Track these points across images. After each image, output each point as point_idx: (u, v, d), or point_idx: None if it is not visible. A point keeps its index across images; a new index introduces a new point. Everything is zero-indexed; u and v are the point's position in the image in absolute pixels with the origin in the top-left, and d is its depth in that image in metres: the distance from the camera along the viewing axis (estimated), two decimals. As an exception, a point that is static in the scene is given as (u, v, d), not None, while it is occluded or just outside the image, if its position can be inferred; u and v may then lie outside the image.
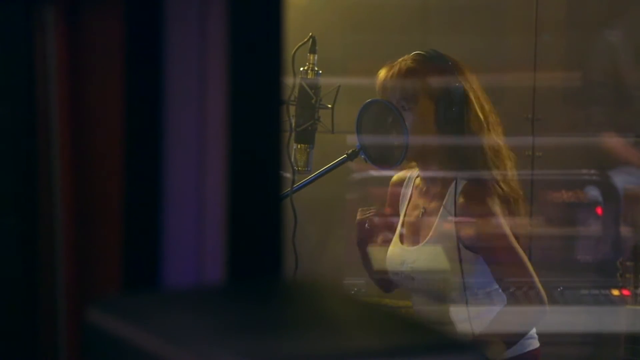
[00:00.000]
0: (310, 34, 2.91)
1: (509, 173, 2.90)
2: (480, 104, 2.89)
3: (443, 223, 2.90)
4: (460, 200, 2.87)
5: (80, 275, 1.43)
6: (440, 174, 2.94)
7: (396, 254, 2.98)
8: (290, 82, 2.86)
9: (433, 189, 2.96)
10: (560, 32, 4.47)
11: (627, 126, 4.39)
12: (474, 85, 2.90)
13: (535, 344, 2.99)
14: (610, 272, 3.98)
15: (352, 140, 2.92)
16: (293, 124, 2.88)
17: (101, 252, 1.42)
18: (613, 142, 4.32)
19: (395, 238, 3.01)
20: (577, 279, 4.24)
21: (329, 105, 2.90)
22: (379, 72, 2.95)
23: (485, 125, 2.88)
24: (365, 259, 3.08)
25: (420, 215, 2.97)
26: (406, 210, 3.02)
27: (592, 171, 4.33)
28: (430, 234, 2.91)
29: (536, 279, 2.88)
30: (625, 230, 4.16)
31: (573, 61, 4.48)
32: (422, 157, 2.96)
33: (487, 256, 2.87)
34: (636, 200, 4.20)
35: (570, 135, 4.36)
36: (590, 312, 4.10)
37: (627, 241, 4.10)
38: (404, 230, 3.00)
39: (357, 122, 2.91)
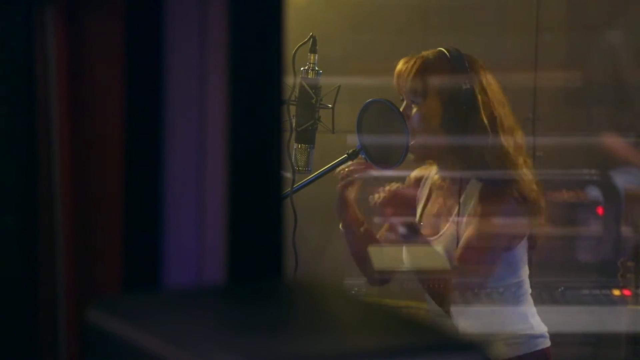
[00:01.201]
0: (311, 33, 2.91)
1: (526, 175, 2.89)
2: (492, 108, 2.88)
3: (459, 221, 2.90)
4: (472, 203, 2.87)
5: (80, 275, 1.43)
6: (454, 172, 2.94)
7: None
8: (291, 82, 2.86)
9: (449, 187, 2.97)
10: (561, 32, 4.47)
11: (628, 126, 4.39)
12: (489, 88, 2.89)
13: (545, 342, 2.97)
14: (611, 272, 3.98)
15: (353, 140, 2.91)
16: (293, 124, 2.88)
17: (101, 252, 1.42)
18: (614, 142, 4.32)
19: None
20: (578, 279, 4.24)
21: (330, 105, 2.90)
22: (398, 62, 2.95)
23: (494, 129, 2.87)
24: (351, 239, 3.03)
25: (441, 212, 2.97)
26: (424, 206, 3.02)
27: (593, 171, 4.32)
28: (447, 227, 2.92)
29: (487, 282, 2.88)
30: (626, 231, 4.16)
31: (574, 61, 4.47)
32: (434, 155, 2.96)
33: (462, 254, 2.87)
34: (637, 200, 4.20)
35: (571, 135, 4.36)
36: (591, 312, 4.10)
37: (628, 241, 4.10)
38: (423, 223, 3.00)
39: (357, 122, 2.91)
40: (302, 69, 2.91)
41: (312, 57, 2.92)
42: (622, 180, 4.24)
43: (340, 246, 3.12)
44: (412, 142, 2.88)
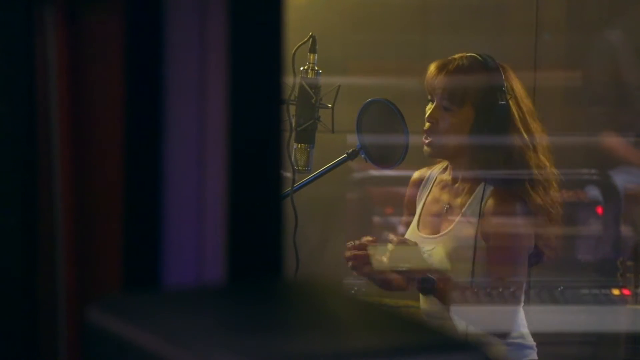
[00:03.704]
0: (311, 33, 2.91)
1: (547, 183, 2.90)
2: (527, 123, 2.88)
3: (465, 221, 2.90)
4: (488, 204, 2.87)
5: (80, 275, 1.43)
6: (470, 174, 2.94)
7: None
8: (291, 81, 2.86)
9: (460, 187, 2.96)
10: (561, 31, 4.47)
11: (628, 125, 4.38)
12: (522, 103, 2.90)
13: (533, 355, 2.98)
14: (610, 271, 3.98)
15: (352, 139, 2.91)
16: (293, 124, 2.88)
17: (101, 252, 1.42)
18: (613, 141, 4.32)
19: (412, 229, 2.99)
20: (577, 278, 4.24)
21: (329, 105, 2.90)
22: (429, 66, 2.94)
23: (531, 144, 2.87)
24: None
25: (445, 210, 2.96)
26: (424, 204, 3.02)
27: (593, 171, 4.32)
28: (452, 227, 2.91)
29: (522, 281, 2.88)
30: (625, 230, 4.16)
31: (573, 61, 4.47)
32: (456, 158, 2.95)
33: (489, 255, 2.87)
34: (636, 199, 4.20)
35: (571, 134, 4.36)
36: (590, 311, 4.09)
37: (628, 241, 4.10)
38: (423, 221, 2.99)
39: (357, 122, 2.91)
40: (301, 68, 2.91)
41: (311, 57, 2.92)
42: (621, 179, 4.24)
43: (340, 246, 3.12)
44: (429, 140, 2.88)
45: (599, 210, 4.27)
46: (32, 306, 1.43)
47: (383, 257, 2.88)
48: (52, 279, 1.43)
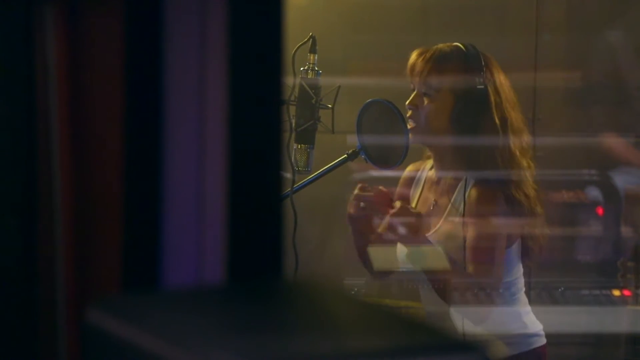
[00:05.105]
0: (311, 33, 2.91)
1: (526, 179, 2.89)
2: (503, 109, 2.88)
3: (452, 218, 2.90)
4: (469, 200, 2.87)
5: (80, 275, 1.43)
6: (449, 171, 2.94)
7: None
8: (291, 82, 2.86)
9: (444, 183, 2.96)
10: (561, 32, 4.47)
11: (628, 126, 4.38)
12: (501, 89, 2.90)
13: (540, 341, 2.97)
14: (611, 272, 3.98)
15: (353, 140, 2.91)
16: (293, 124, 2.88)
17: (101, 252, 1.42)
18: (613, 142, 4.32)
19: None
20: (578, 279, 4.24)
21: (329, 105, 2.90)
22: (411, 53, 2.95)
23: (504, 130, 2.87)
24: (359, 239, 2.99)
25: (431, 208, 2.97)
26: (417, 203, 3.02)
27: (593, 171, 4.32)
28: (440, 224, 2.91)
29: (498, 283, 2.87)
30: (626, 231, 4.16)
31: (574, 61, 4.47)
32: (436, 147, 2.96)
33: (469, 255, 2.86)
34: (637, 200, 4.20)
35: (571, 135, 4.36)
36: (591, 312, 4.09)
37: (628, 241, 4.10)
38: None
39: (357, 122, 2.91)
40: (301, 69, 2.91)
41: (311, 57, 2.92)
42: (621, 180, 4.24)
43: (340, 246, 3.11)
44: (413, 138, 2.88)
45: (599, 210, 4.27)
46: (32, 306, 1.43)
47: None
48: (52, 279, 1.43)
